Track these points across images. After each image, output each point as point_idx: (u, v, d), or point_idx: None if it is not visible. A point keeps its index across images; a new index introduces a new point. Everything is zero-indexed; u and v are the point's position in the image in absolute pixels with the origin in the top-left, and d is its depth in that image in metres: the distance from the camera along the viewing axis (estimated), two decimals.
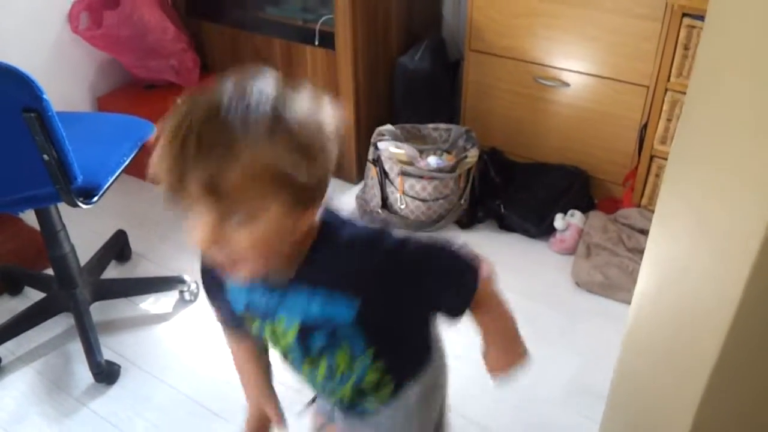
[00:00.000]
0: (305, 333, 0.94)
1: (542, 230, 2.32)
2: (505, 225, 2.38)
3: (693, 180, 0.94)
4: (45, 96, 1.41)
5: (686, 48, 1.97)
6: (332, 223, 0.88)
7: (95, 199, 1.60)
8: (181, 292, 2.06)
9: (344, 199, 2.57)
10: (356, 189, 2.60)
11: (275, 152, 0.73)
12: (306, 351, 0.97)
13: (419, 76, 2.52)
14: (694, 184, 0.94)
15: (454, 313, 0.98)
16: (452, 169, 2.31)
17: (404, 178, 2.31)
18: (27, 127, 1.41)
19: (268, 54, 2.59)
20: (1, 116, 1.43)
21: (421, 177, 2.29)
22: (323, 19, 2.39)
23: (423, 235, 0.95)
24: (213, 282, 1.00)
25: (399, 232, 0.91)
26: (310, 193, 0.80)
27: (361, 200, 2.51)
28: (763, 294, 0.80)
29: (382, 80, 2.57)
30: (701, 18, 1.89)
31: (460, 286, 0.95)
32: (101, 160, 1.66)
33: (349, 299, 0.88)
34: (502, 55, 2.42)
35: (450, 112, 2.67)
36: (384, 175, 2.37)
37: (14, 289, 2.13)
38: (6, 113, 1.41)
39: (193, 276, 2.12)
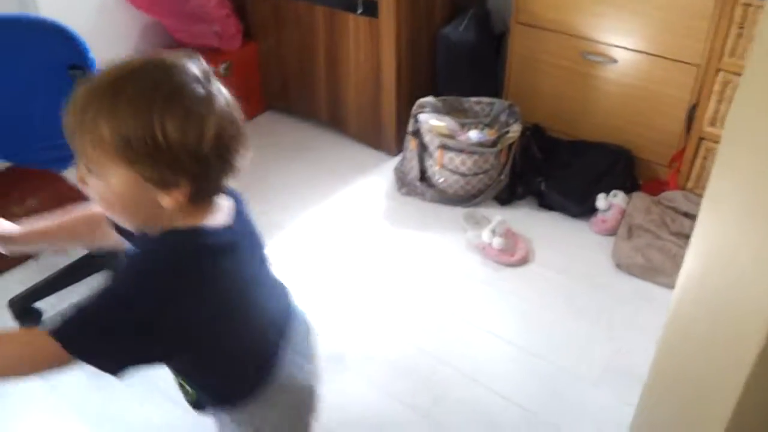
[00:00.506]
0: None
1: (584, 210, 2.28)
2: (546, 203, 2.35)
3: (745, 164, 0.91)
4: (91, 54, 1.41)
5: (741, 27, 1.90)
6: (175, 241, 0.89)
7: None
8: None
9: (382, 171, 2.56)
10: (395, 161, 2.58)
11: (118, 136, 0.80)
12: None
13: (463, 48, 2.48)
14: (745, 168, 0.91)
15: None
16: (493, 144, 2.27)
17: (444, 152, 2.28)
18: (73, 85, 1.41)
19: (310, 21, 2.57)
20: (48, 73, 1.44)
21: (461, 151, 2.26)
22: None
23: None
24: None
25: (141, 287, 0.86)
26: (163, 181, 0.83)
27: (400, 172, 2.49)
28: None
29: (424, 51, 2.53)
30: None
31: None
32: None
33: None
34: (548, 29, 2.37)
35: (493, 86, 2.62)
36: (423, 147, 2.34)
37: None
38: (53, 70, 1.42)
39: None
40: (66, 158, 1.68)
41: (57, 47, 1.39)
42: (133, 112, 0.80)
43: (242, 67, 2.75)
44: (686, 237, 2.12)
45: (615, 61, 2.27)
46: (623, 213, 2.23)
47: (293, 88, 2.80)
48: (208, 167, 0.85)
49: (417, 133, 2.34)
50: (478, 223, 2.26)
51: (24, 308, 1.91)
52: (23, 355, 0.86)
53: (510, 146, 2.32)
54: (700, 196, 2.19)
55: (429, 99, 2.40)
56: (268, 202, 2.37)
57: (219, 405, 1.07)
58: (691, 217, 2.16)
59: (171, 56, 0.85)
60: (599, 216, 2.26)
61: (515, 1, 2.39)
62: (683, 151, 2.23)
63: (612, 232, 2.22)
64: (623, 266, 2.10)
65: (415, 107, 2.39)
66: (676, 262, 2.06)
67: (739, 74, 1.95)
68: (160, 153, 0.81)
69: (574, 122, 2.47)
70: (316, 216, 2.35)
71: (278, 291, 1.12)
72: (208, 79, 0.85)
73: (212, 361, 0.98)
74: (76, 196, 0.97)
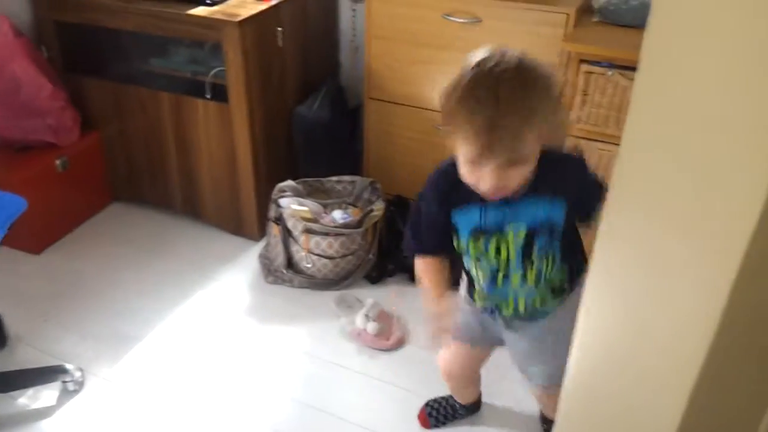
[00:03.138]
0: (530, 238, 1.25)
1: (456, 281, 2.25)
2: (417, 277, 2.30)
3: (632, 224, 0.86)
4: None
5: (585, 93, 1.97)
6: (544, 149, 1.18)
7: None
8: (64, 382, 1.84)
9: (246, 259, 2.42)
10: (258, 247, 2.46)
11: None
12: (527, 257, 1.28)
13: (319, 125, 2.43)
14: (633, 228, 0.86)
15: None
16: (359, 224, 2.21)
17: (309, 236, 2.19)
18: None
19: (155, 108, 2.42)
20: None
21: (326, 234, 2.18)
22: (214, 71, 2.26)
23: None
24: (441, 212, 1.35)
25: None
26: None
27: (265, 259, 2.37)
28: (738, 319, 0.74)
29: (280, 131, 2.46)
30: (598, 64, 1.90)
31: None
32: None
33: (562, 203, 1.23)
34: (401, 103, 2.37)
35: (352, 161, 2.58)
36: (287, 233, 2.24)
37: None
38: None
39: (78, 362, 1.91)
40: None
41: None
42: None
43: (83, 160, 2.53)
44: None
45: None
46: None
47: (142, 177, 2.62)
48: None
49: (279, 219, 2.24)
50: (350, 306, 2.17)
51: None
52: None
53: (375, 224, 2.27)
54: None
55: (288, 182, 2.31)
56: (120, 309, 2.16)
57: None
58: None
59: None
60: None
61: (367, 78, 2.37)
62: None
63: None
64: None
65: (274, 192, 2.28)
66: None
67: (587, 139, 2.02)
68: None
69: None
70: (176, 320, 2.15)
71: None
72: None
73: None
74: None
